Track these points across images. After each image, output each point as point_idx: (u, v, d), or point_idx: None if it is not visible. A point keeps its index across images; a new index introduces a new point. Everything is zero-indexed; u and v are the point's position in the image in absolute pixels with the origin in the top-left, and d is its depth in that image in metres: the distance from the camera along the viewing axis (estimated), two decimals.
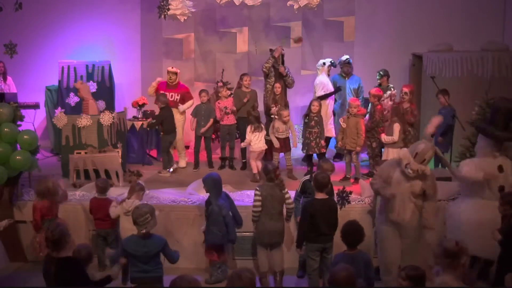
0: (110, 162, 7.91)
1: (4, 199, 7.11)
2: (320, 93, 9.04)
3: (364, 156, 8.82)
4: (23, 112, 7.82)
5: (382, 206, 6.05)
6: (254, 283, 3.97)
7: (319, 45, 10.62)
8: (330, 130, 9.10)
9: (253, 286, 3.95)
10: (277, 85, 8.84)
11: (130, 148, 9.25)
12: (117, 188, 7.58)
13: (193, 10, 9.18)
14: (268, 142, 8.40)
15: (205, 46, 10.79)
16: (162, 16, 8.48)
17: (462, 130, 7.77)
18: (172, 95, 9.00)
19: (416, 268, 4.30)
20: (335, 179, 7.09)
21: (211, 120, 8.94)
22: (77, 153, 8.03)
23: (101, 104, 8.23)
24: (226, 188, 7.55)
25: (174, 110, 8.93)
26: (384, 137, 7.89)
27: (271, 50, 9.08)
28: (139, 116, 9.53)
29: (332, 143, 9.46)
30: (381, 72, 9.17)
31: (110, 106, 8.30)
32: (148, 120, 8.90)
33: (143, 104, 9.62)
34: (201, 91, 9.07)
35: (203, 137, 9.01)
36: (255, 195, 6.20)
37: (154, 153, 9.87)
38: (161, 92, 8.87)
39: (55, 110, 8.31)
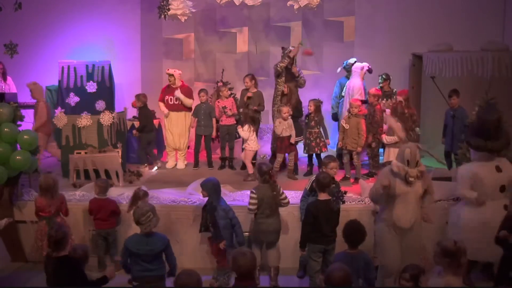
0: (110, 162, 7.91)
1: (4, 199, 7.10)
2: (357, 96, 8.77)
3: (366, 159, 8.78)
4: (23, 112, 7.81)
5: (381, 210, 6.02)
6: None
7: (319, 45, 10.62)
8: None
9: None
10: (286, 85, 8.78)
11: (130, 148, 9.25)
12: (117, 188, 7.57)
13: (193, 10, 9.18)
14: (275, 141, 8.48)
15: (205, 46, 10.79)
16: (162, 16, 8.47)
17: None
18: (170, 99, 8.99)
19: (417, 267, 4.32)
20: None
21: (214, 120, 8.99)
22: (77, 153, 8.03)
23: (101, 104, 8.21)
24: (226, 188, 7.57)
25: (180, 114, 9.00)
26: (385, 138, 7.86)
27: (283, 48, 8.92)
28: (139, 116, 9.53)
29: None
30: (383, 76, 9.09)
31: (110, 106, 8.28)
32: (136, 124, 9.07)
33: None
34: (200, 90, 9.07)
35: (203, 137, 9.02)
36: (251, 197, 6.22)
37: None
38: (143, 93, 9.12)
39: (55, 110, 8.31)
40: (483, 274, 6.34)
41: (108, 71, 8.23)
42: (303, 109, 8.91)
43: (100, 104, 8.19)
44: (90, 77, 8.19)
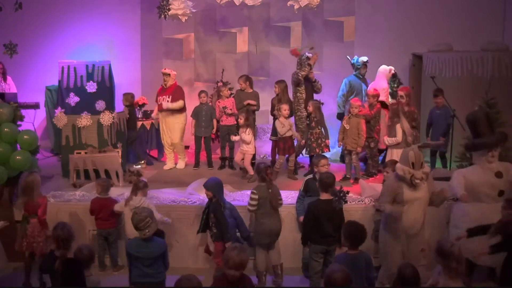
0: (110, 162, 7.91)
1: (4, 199, 7.10)
2: (383, 98, 8.78)
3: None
4: (23, 112, 7.82)
5: (386, 215, 6.00)
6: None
7: (319, 45, 10.59)
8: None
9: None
10: (277, 85, 8.77)
11: (130, 148, 9.25)
12: (117, 188, 7.57)
13: (194, 10, 9.18)
14: (274, 142, 8.48)
15: (205, 46, 10.79)
16: (162, 16, 8.47)
17: (462, 130, 7.77)
18: (164, 98, 8.87)
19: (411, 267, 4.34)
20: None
21: (215, 121, 8.98)
22: (77, 153, 8.03)
23: (101, 104, 8.21)
24: (226, 188, 7.55)
25: (167, 114, 8.87)
26: (387, 139, 7.80)
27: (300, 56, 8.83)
28: (139, 116, 9.54)
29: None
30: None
31: (110, 106, 8.28)
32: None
33: (143, 104, 9.64)
34: (201, 92, 9.07)
35: (203, 137, 9.02)
36: (251, 197, 6.23)
37: (154, 153, 9.87)
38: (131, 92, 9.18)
39: (55, 110, 8.31)
40: (489, 278, 6.30)
41: (108, 71, 8.23)
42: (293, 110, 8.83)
43: (100, 104, 8.19)
44: (90, 77, 8.19)
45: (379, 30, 10.38)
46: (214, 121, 9.02)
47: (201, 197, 7.11)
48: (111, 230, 6.75)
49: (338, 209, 5.81)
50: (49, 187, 7.69)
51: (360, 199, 7.22)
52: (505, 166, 6.17)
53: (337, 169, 8.40)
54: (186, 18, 9.07)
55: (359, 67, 9.12)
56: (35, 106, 9.54)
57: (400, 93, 8.06)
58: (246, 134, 8.17)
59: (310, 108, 8.24)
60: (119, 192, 7.29)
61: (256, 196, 6.18)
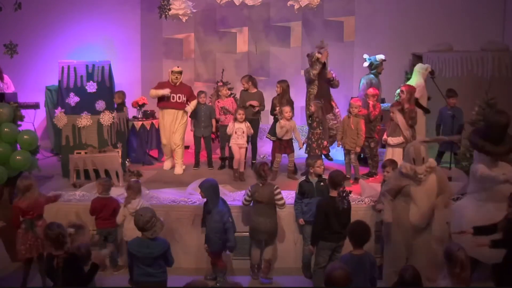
0: (110, 162, 7.90)
1: (4, 199, 7.10)
2: (418, 95, 8.51)
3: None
4: (23, 112, 7.82)
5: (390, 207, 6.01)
6: None
7: None
8: None
9: None
10: (279, 85, 8.74)
11: (130, 148, 9.25)
12: (117, 188, 7.57)
13: (194, 10, 9.18)
14: (273, 141, 8.46)
15: (205, 46, 10.79)
16: (163, 16, 8.47)
17: (462, 131, 7.78)
18: (180, 97, 8.68)
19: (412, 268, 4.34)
20: None
21: (214, 121, 8.98)
22: (77, 153, 8.02)
23: (101, 104, 8.21)
24: (226, 188, 7.57)
25: (176, 113, 8.69)
26: (391, 139, 7.71)
27: (309, 55, 8.82)
28: (139, 116, 9.54)
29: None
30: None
31: (110, 106, 8.27)
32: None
33: (143, 104, 9.62)
34: (200, 92, 9.05)
35: (202, 137, 9.02)
36: (246, 194, 6.46)
37: (154, 153, 9.87)
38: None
39: (55, 110, 8.30)
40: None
41: (108, 71, 8.22)
42: (294, 109, 8.80)
43: (100, 104, 8.18)
44: (90, 77, 8.19)
45: (379, 30, 10.38)
46: (213, 121, 9.01)
47: (201, 197, 7.11)
48: (111, 230, 6.74)
49: (342, 208, 5.83)
50: (49, 187, 7.69)
51: (360, 199, 7.22)
52: (503, 166, 6.17)
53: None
54: (187, 18, 9.07)
55: (377, 65, 9.06)
56: (35, 106, 9.52)
57: (402, 89, 8.06)
58: (246, 127, 8.24)
59: (313, 108, 8.23)
60: (119, 192, 7.28)
61: (249, 192, 6.38)
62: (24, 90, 9.82)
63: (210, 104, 9.33)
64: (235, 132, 8.23)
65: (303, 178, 6.74)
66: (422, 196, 5.67)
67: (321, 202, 6.01)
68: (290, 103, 8.61)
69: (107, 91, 8.26)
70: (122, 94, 9.03)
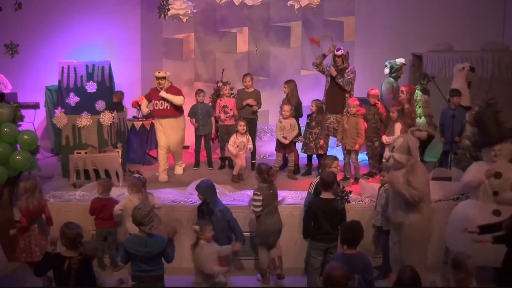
0: (110, 162, 7.91)
1: (4, 199, 7.10)
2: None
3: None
4: (23, 112, 7.82)
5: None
6: None
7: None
8: None
9: None
10: (287, 85, 8.60)
11: (130, 148, 9.25)
12: (117, 188, 7.57)
13: (194, 10, 9.17)
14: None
15: (205, 46, 10.79)
16: (162, 16, 8.46)
17: (463, 131, 7.78)
18: (162, 103, 8.24)
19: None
20: None
21: (213, 119, 8.96)
22: (77, 153, 8.02)
23: (101, 104, 8.21)
24: (226, 188, 7.58)
25: (166, 120, 8.28)
26: (385, 138, 7.76)
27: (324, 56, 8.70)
28: (139, 116, 9.55)
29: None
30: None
31: (110, 106, 8.27)
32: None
33: None
34: (198, 90, 9.03)
35: (203, 137, 9.02)
36: (255, 199, 6.22)
37: (154, 153, 9.87)
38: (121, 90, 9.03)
39: (55, 110, 8.30)
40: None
41: (108, 71, 8.23)
42: (303, 110, 8.84)
43: (100, 104, 8.18)
44: (90, 77, 8.19)
45: (379, 30, 10.38)
46: (213, 119, 8.98)
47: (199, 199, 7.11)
48: (111, 230, 6.75)
49: (340, 209, 5.82)
50: (49, 187, 7.69)
51: (360, 199, 7.22)
52: (504, 166, 6.17)
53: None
54: (187, 18, 9.07)
55: (397, 68, 9.02)
56: (35, 106, 9.54)
57: (402, 89, 8.06)
58: (247, 140, 8.19)
59: (313, 108, 8.23)
60: (119, 192, 7.29)
61: (260, 197, 6.18)
62: (24, 90, 9.83)
63: (210, 104, 9.34)
64: (237, 146, 8.13)
65: (318, 179, 6.43)
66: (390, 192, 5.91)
67: (312, 202, 5.97)
68: (298, 103, 8.60)
69: (107, 91, 8.26)
70: (120, 93, 9.06)
